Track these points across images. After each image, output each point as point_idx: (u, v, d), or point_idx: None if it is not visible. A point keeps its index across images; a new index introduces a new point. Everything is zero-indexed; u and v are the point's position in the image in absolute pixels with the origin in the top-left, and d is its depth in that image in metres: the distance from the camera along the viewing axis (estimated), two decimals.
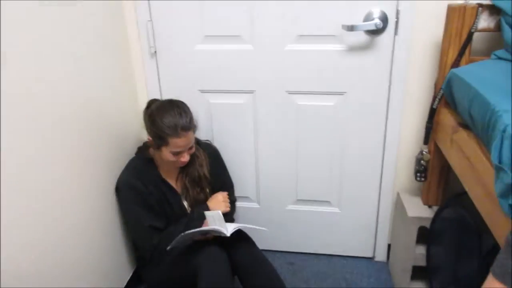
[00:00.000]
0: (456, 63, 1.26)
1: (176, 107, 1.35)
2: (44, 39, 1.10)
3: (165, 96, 1.62)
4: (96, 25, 1.37)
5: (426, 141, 1.41)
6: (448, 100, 1.26)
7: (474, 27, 1.22)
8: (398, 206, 1.64)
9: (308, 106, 1.60)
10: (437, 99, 1.32)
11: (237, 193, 1.74)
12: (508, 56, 1.17)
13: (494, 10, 1.21)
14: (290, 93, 1.59)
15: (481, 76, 1.07)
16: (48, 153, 1.13)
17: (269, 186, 1.79)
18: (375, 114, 1.56)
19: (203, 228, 1.36)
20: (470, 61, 1.26)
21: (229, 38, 1.54)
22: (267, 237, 1.76)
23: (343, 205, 1.77)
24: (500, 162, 0.78)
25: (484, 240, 1.12)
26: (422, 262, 1.49)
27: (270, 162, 1.73)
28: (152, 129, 1.35)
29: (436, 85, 1.37)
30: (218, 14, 1.50)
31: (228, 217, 1.55)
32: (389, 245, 1.80)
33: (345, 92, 1.55)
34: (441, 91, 1.28)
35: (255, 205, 1.85)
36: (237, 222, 1.61)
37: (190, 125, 1.35)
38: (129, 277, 1.63)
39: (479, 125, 0.95)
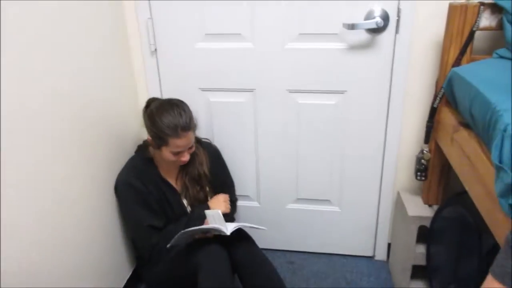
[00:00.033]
0: (457, 62, 1.25)
1: (176, 107, 1.34)
2: (44, 38, 1.10)
3: (165, 94, 1.62)
4: (96, 23, 1.36)
5: (426, 140, 1.40)
6: (449, 99, 1.26)
7: (475, 26, 1.21)
8: (398, 205, 1.63)
9: (308, 104, 1.59)
10: (438, 98, 1.31)
11: (237, 191, 1.74)
12: (509, 54, 1.16)
13: (495, 8, 1.21)
14: (291, 91, 1.58)
15: (482, 75, 1.07)
16: (48, 152, 1.13)
17: (269, 184, 1.79)
18: (376, 112, 1.56)
19: (203, 226, 1.36)
20: (472, 60, 1.26)
21: (229, 36, 1.53)
22: (267, 236, 1.76)
23: (343, 204, 1.77)
24: (500, 161, 0.78)
25: (484, 240, 1.11)
26: (422, 261, 1.49)
27: (270, 161, 1.73)
28: (152, 129, 1.35)
29: (437, 84, 1.36)
30: (219, 12, 1.50)
31: (229, 217, 1.55)
32: (389, 244, 1.79)
33: (345, 91, 1.55)
34: (442, 90, 1.28)
35: (255, 204, 1.84)
36: (237, 221, 1.61)
37: (190, 125, 1.35)
38: (128, 276, 1.63)
39: (479, 124, 0.95)
